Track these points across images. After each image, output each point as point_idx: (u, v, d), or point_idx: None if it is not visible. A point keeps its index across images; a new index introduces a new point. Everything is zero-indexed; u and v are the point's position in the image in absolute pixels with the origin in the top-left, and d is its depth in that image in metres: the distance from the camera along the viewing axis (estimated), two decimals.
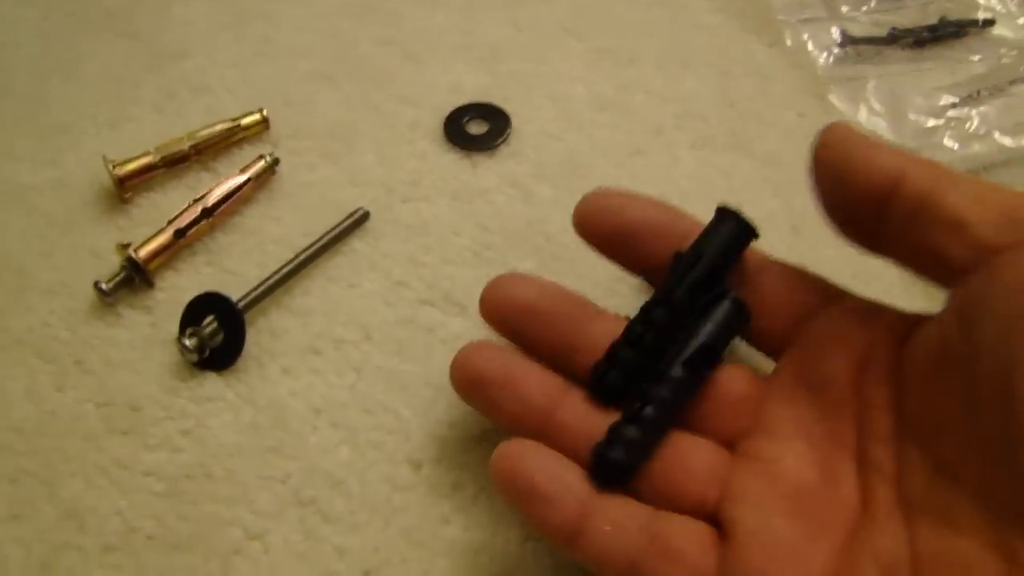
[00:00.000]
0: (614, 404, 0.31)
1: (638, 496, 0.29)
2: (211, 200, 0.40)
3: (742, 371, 0.31)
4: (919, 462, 0.27)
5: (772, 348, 0.32)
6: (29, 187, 0.43)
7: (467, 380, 0.32)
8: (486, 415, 0.32)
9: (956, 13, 0.51)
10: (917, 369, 0.27)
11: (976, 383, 0.25)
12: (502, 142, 0.44)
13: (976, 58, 0.49)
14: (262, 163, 0.42)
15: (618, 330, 0.31)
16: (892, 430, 0.28)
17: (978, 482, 0.25)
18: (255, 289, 0.38)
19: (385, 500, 0.33)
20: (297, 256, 0.39)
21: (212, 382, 0.36)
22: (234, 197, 0.41)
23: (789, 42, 0.49)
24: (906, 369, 0.28)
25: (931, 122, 0.46)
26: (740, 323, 0.31)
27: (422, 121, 0.45)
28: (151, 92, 0.46)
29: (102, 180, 0.42)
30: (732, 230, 0.31)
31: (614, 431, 0.29)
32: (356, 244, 0.41)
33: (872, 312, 0.30)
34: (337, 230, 0.40)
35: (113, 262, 0.39)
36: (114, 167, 0.41)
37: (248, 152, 0.44)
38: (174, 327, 0.37)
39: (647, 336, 0.31)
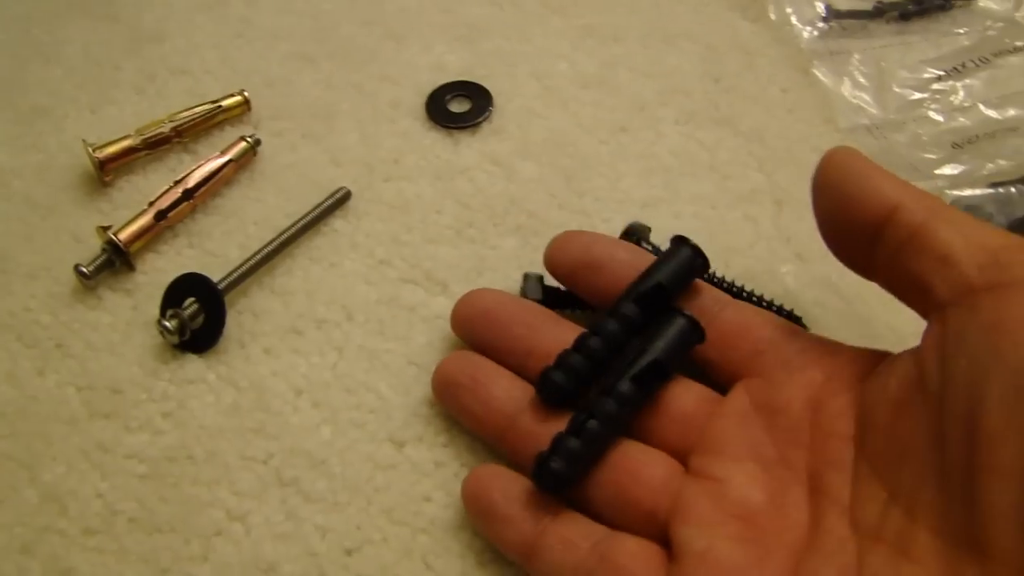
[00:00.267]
0: (560, 406, 0.32)
1: (592, 505, 0.30)
2: (192, 182, 0.40)
3: (694, 387, 0.32)
4: (875, 491, 0.27)
5: (727, 380, 0.32)
6: (9, 171, 0.42)
7: (440, 383, 0.34)
8: (457, 418, 0.34)
9: None
10: (885, 399, 0.28)
11: (944, 414, 0.25)
12: (484, 120, 0.44)
13: (962, 31, 0.48)
14: (243, 144, 0.42)
15: (573, 339, 0.32)
16: (849, 459, 0.28)
17: (934, 512, 0.25)
18: (236, 270, 0.38)
19: (367, 479, 0.33)
20: (278, 236, 0.39)
21: (193, 364, 0.36)
22: (215, 178, 0.41)
23: (773, 17, 0.49)
24: (870, 400, 0.28)
25: (916, 95, 0.45)
26: (693, 341, 0.32)
27: (404, 100, 0.45)
28: (131, 75, 0.46)
29: (83, 163, 0.42)
30: (686, 254, 0.33)
31: (557, 442, 0.30)
32: (338, 224, 0.40)
33: (830, 348, 0.31)
34: (319, 210, 0.40)
35: (95, 245, 0.39)
36: (94, 150, 0.41)
37: (229, 134, 0.44)
38: (156, 310, 0.37)
39: (593, 342, 0.32)
